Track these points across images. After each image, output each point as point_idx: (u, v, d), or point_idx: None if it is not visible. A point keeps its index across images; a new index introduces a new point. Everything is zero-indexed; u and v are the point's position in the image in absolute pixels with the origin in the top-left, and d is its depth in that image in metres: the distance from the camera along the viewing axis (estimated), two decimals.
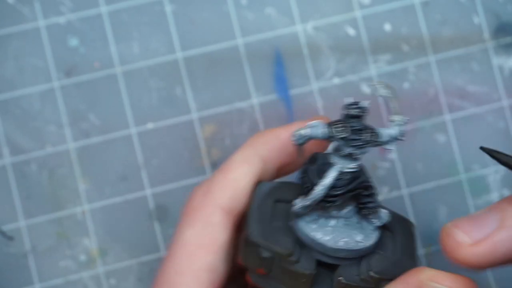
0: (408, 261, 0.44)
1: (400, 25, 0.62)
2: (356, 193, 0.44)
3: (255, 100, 0.62)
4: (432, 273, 0.41)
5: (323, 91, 0.62)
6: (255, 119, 0.61)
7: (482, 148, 0.42)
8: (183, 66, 0.62)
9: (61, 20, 0.61)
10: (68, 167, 0.61)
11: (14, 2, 0.61)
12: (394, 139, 0.44)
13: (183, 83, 0.62)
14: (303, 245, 0.44)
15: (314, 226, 0.44)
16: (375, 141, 0.43)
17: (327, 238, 0.44)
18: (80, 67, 0.61)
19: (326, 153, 0.45)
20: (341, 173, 0.43)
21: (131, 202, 0.61)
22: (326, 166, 0.44)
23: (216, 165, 0.61)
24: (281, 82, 0.62)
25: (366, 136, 0.43)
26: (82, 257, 0.60)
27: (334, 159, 0.44)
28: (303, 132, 0.43)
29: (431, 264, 0.61)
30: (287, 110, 0.62)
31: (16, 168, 0.60)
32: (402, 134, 0.44)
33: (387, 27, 0.62)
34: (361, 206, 0.45)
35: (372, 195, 0.45)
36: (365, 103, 0.44)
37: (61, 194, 0.61)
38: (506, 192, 0.62)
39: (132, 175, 0.61)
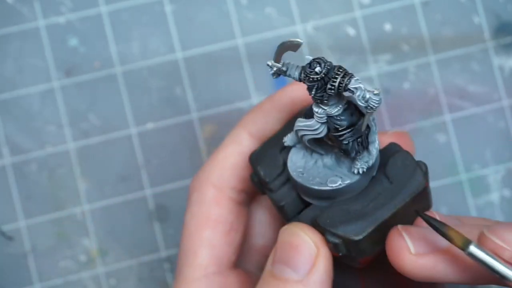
0: (360, 223, 0.42)
1: (400, 25, 0.62)
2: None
3: (255, 100, 0.62)
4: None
5: None
6: None
7: (417, 213, 0.42)
8: (183, 66, 0.62)
9: (61, 20, 0.61)
10: (68, 167, 0.61)
11: (13, 2, 0.61)
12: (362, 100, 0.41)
13: (183, 83, 0.62)
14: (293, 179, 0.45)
15: (302, 162, 0.45)
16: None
17: (312, 174, 0.44)
18: (80, 67, 0.61)
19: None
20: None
21: (131, 202, 0.61)
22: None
23: None
24: (281, 82, 0.62)
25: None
26: (82, 257, 0.60)
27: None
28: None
29: None
30: None
31: (16, 168, 0.60)
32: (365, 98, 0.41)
33: (387, 27, 0.62)
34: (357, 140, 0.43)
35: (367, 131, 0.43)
36: (320, 69, 0.41)
37: (61, 194, 0.61)
38: (506, 192, 0.62)
39: (132, 175, 0.61)
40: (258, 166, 0.46)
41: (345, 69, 0.41)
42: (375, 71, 0.62)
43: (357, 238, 0.41)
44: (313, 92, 0.41)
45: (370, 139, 0.43)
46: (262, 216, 0.52)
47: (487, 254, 0.38)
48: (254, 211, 0.52)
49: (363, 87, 0.40)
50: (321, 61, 0.41)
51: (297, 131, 0.43)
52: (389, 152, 0.44)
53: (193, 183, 0.50)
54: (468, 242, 0.38)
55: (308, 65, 0.41)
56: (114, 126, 0.61)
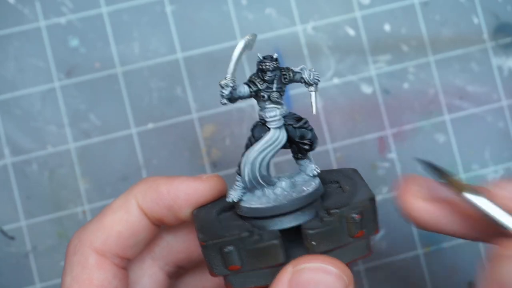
0: (360, 189, 0.45)
1: (400, 25, 0.62)
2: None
3: (255, 100, 0.62)
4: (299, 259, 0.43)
5: (323, 91, 0.62)
6: (255, 119, 0.61)
7: (417, 160, 0.45)
8: (183, 66, 0.62)
9: (62, 20, 0.61)
10: (68, 167, 0.61)
11: (15, 3, 0.61)
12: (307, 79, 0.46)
13: (183, 83, 0.62)
14: (259, 226, 0.44)
15: (262, 199, 0.45)
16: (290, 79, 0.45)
17: (278, 199, 0.45)
18: (81, 67, 0.61)
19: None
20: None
21: None
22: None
23: (216, 165, 0.61)
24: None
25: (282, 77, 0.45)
26: None
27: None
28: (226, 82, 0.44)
29: (431, 264, 0.61)
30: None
31: (17, 168, 0.61)
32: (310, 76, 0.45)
33: (387, 27, 0.62)
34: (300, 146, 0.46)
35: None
36: (275, 55, 0.45)
37: (61, 194, 0.61)
38: None
39: (133, 175, 0.61)
40: (226, 237, 0.43)
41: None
42: (375, 72, 0.62)
43: (372, 195, 0.43)
44: (274, 86, 0.44)
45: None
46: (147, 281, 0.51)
47: (481, 196, 0.41)
48: (138, 276, 0.51)
49: (305, 67, 0.45)
50: (268, 56, 0.45)
51: (253, 160, 0.45)
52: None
53: (74, 243, 0.49)
54: (464, 188, 0.42)
55: (263, 58, 0.44)
56: (114, 126, 0.61)
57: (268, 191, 0.45)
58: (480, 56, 0.62)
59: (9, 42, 0.61)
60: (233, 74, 0.44)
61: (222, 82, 0.44)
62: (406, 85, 0.62)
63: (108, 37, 0.61)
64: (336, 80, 0.62)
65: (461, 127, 0.62)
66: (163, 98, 0.61)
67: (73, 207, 0.61)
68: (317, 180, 0.46)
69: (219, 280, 0.47)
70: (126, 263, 0.50)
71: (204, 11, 0.62)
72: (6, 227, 0.60)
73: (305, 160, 0.46)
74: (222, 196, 0.48)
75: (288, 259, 0.43)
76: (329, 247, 0.43)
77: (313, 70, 0.45)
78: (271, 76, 0.44)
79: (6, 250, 0.60)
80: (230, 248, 0.43)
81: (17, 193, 0.60)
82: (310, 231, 0.43)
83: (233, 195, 0.45)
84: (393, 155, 0.62)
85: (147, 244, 0.50)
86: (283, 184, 0.46)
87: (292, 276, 0.41)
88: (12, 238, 0.60)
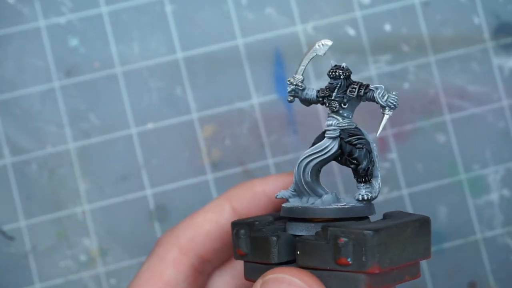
0: (379, 224, 0.42)
1: (400, 25, 0.62)
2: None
3: (255, 100, 0.62)
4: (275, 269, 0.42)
5: None
6: (255, 119, 0.62)
7: None
8: (183, 66, 0.62)
9: (62, 20, 0.61)
10: (68, 167, 0.61)
11: (14, 2, 0.61)
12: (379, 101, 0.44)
13: (183, 83, 0.62)
14: (284, 228, 0.44)
15: (297, 204, 0.44)
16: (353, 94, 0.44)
17: (299, 205, 0.44)
18: (80, 67, 0.61)
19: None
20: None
21: (131, 202, 0.61)
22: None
23: (216, 165, 0.61)
24: (281, 82, 0.62)
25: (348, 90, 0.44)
26: (82, 257, 0.61)
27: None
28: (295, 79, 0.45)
29: (431, 264, 0.61)
30: (287, 110, 0.62)
31: (17, 168, 0.60)
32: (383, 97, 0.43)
33: (387, 27, 0.62)
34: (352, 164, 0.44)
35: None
36: (344, 64, 0.44)
37: (61, 194, 0.61)
38: (506, 192, 0.62)
39: (132, 175, 0.61)
40: (245, 219, 0.44)
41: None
42: (375, 71, 0.62)
43: (376, 230, 0.40)
44: (334, 94, 0.43)
45: (374, 174, 0.44)
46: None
47: None
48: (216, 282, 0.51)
49: (384, 87, 0.43)
50: (342, 65, 0.44)
51: (299, 163, 0.44)
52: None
53: (162, 238, 0.49)
54: None
55: (334, 65, 0.44)
56: (114, 126, 0.61)
57: (311, 199, 0.44)
58: (480, 56, 0.62)
59: (8, 42, 0.61)
60: (299, 74, 0.44)
61: (287, 80, 0.44)
62: (406, 85, 0.62)
63: (107, 37, 0.61)
64: None
65: (462, 127, 0.62)
66: (163, 98, 0.61)
67: (73, 207, 0.61)
68: (358, 204, 0.43)
69: None
70: (206, 267, 0.49)
71: (204, 11, 0.62)
72: (5, 227, 0.60)
73: (362, 184, 0.44)
74: None
75: (283, 264, 0.42)
76: (312, 264, 0.41)
77: (393, 93, 0.43)
78: (333, 83, 0.44)
79: (6, 251, 0.60)
80: (242, 231, 0.44)
81: (16, 193, 0.60)
82: (300, 238, 0.42)
83: (281, 193, 0.45)
84: (393, 155, 0.62)
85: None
86: (325, 197, 0.44)
87: (260, 286, 0.40)
88: (11, 238, 0.60)
